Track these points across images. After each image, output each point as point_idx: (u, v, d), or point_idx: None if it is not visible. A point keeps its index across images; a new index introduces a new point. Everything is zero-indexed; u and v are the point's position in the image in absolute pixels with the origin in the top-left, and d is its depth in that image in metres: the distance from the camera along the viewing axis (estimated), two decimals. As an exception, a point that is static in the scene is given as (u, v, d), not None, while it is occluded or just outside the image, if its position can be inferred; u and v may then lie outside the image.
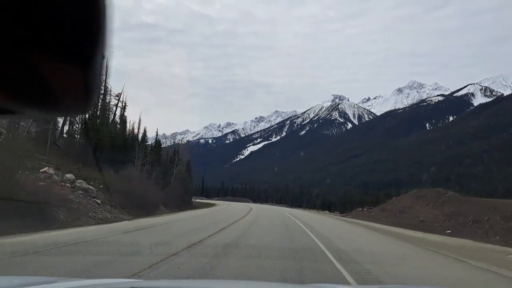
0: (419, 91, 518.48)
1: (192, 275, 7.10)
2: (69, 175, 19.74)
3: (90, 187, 20.29)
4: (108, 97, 39.63)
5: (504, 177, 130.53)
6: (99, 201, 19.57)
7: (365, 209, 54.32)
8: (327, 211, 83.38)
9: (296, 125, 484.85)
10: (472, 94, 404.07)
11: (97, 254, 8.81)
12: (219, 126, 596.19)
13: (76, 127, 36.89)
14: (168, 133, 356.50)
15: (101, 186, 22.18)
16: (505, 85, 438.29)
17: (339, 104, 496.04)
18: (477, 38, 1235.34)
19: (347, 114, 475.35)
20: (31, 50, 0.53)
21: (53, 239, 10.46)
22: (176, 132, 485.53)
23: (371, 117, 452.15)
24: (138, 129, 44.23)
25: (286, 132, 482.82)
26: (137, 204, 23.05)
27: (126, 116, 43.21)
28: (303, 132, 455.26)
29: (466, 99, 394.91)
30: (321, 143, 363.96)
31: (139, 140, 40.65)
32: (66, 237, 11.10)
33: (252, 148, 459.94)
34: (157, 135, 51.13)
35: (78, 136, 36.02)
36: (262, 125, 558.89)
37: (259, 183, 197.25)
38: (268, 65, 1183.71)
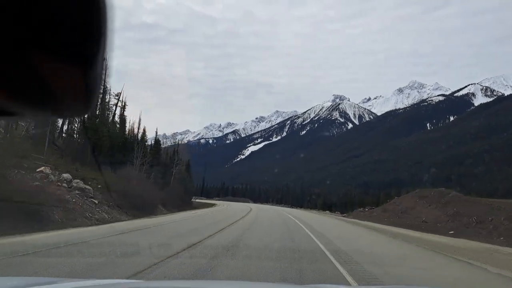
0: (419, 91, 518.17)
1: (192, 275, 7.07)
2: (66, 175, 19.49)
3: (87, 187, 20.04)
4: (108, 97, 39.54)
5: (505, 177, 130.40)
6: (96, 201, 19.30)
7: (367, 210, 54.17)
8: (327, 211, 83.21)
9: (297, 125, 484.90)
10: (473, 94, 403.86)
11: (89, 256, 8.54)
12: (220, 126, 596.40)
13: (75, 126, 36.70)
14: (168, 133, 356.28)
15: (99, 186, 21.97)
16: (506, 85, 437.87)
17: (339, 104, 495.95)
18: (478, 38, 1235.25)
19: (347, 114, 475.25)
20: (31, 50, 0.53)
21: (43, 241, 10.19)
22: (177, 132, 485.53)
23: (372, 117, 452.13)
24: (138, 129, 44.15)
25: (286, 132, 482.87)
26: (136, 204, 22.85)
27: (125, 116, 43.12)
28: (304, 132, 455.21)
29: (466, 99, 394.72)
30: (321, 143, 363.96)
31: (138, 139, 40.48)
32: (58, 238, 10.83)
33: (252, 148, 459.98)
34: (156, 134, 50.94)
35: (77, 136, 35.83)
36: (263, 125, 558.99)
37: (260, 183, 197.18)
38: (268, 65, 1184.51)
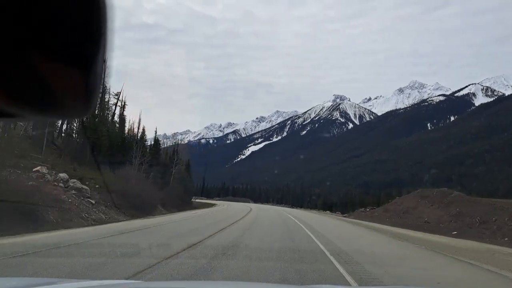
0: (420, 91, 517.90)
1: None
2: (62, 175, 19.30)
3: (84, 186, 19.84)
4: (107, 96, 39.45)
5: (506, 177, 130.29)
6: (93, 201, 19.09)
7: (368, 210, 53.98)
8: (328, 212, 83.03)
9: (297, 125, 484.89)
10: (473, 94, 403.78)
11: (80, 257, 8.27)
12: (220, 126, 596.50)
13: (74, 126, 36.60)
14: (169, 133, 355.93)
15: (97, 186, 21.76)
16: (506, 85, 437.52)
17: (340, 104, 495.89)
18: (478, 38, 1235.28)
19: (348, 114, 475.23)
20: (31, 50, 0.52)
21: (32, 243, 9.96)
22: (177, 132, 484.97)
23: (372, 117, 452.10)
24: (138, 128, 44.06)
25: (287, 132, 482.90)
26: (134, 204, 22.69)
27: (125, 116, 43.04)
28: (304, 132, 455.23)
29: (467, 99, 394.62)
30: (322, 143, 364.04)
31: (138, 139, 40.34)
32: (48, 239, 10.57)
33: (253, 148, 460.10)
34: (156, 134, 50.86)
35: (76, 135, 35.72)
36: (263, 125, 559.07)
37: (260, 183, 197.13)
38: (268, 65, 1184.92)
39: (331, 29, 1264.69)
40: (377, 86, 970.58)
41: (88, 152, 29.11)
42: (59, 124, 35.30)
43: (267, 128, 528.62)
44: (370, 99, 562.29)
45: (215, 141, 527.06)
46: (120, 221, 18.97)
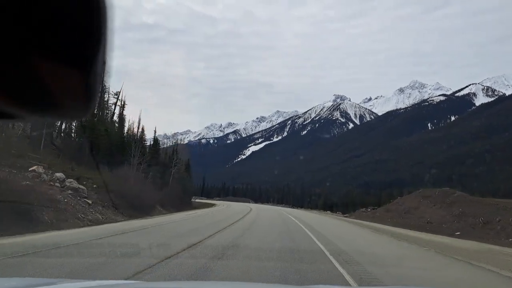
0: (420, 91, 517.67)
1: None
2: (58, 174, 19.11)
3: (81, 186, 19.64)
4: (106, 96, 39.40)
5: (506, 176, 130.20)
6: (90, 202, 18.89)
7: (369, 210, 53.81)
8: (328, 212, 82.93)
9: (298, 125, 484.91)
10: (474, 94, 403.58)
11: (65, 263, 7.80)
12: (221, 126, 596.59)
13: (73, 125, 36.52)
14: (169, 133, 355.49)
15: (95, 185, 21.57)
16: (507, 85, 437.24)
17: (340, 104, 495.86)
18: (479, 38, 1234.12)
19: (348, 114, 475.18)
20: (31, 50, 0.52)
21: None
22: (178, 132, 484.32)
23: (373, 117, 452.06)
24: (138, 128, 43.97)
25: (287, 132, 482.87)
26: (132, 205, 22.53)
27: (125, 115, 42.99)
28: (305, 132, 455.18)
29: (468, 99, 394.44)
30: (322, 143, 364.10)
31: (137, 138, 40.23)
32: (39, 241, 10.33)
33: (253, 148, 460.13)
34: (155, 134, 50.72)
35: (75, 135, 35.64)
36: (264, 125, 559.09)
37: (260, 183, 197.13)
38: (269, 65, 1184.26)
39: (331, 29, 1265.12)
40: (378, 86, 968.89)
41: (87, 151, 29.02)
42: (58, 124, 35.25)
43: (267, 128, 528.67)
44: (370, 99, 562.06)
45: (216, 141, 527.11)
46: (118, 221, 18.78)
